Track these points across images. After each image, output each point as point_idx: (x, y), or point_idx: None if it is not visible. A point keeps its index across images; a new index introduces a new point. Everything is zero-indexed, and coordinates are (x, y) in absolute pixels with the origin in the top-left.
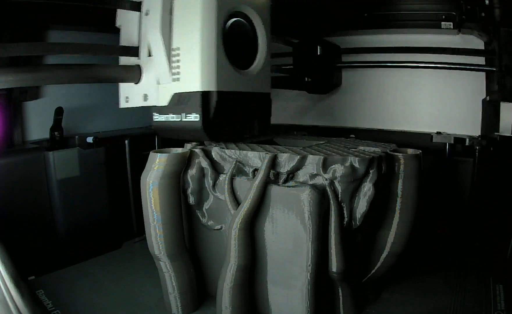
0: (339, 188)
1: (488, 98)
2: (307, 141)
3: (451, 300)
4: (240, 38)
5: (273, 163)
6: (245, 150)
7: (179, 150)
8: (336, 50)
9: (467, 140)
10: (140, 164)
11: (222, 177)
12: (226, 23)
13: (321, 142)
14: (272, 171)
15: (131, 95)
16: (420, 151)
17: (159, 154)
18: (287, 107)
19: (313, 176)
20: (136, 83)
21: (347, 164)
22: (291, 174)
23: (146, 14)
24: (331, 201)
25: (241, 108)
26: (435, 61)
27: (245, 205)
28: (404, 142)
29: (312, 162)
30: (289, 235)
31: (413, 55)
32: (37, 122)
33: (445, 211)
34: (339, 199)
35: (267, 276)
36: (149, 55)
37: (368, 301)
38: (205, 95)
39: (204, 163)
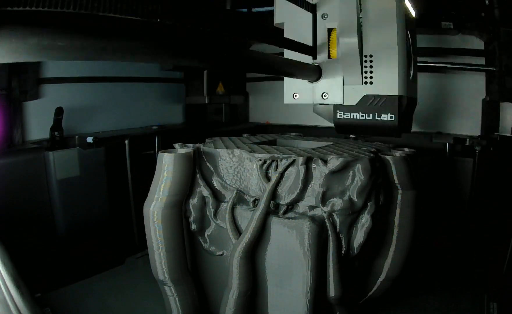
0: (337, 220)
1: (488, 98)
2: (309, 142)
3: None
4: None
5: (274, 194)
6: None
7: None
8: None
9: (467, 140)
10: (140, 164)
11: (223, 206)
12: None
13: (325, 144)
14: (272, 202)
15: (302, 92)
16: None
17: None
18: (286, 107)
19: (312, 207)
20: (315, 82)
21: (346, 198)
22: (291, 206)
23: (324, 17)
24: (330, 233)
25: (410, 111)
26: (435, 61)
27: (246, 236)
28: (404, 142)
29: (311, 195)
30: (288, 263)
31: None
32: (37, 122)
33: (444, 213)
34: (337, 230)
35: (267, 300)
36: (329, 57)
37: None
38: (400, 98)
39: (205, 192)
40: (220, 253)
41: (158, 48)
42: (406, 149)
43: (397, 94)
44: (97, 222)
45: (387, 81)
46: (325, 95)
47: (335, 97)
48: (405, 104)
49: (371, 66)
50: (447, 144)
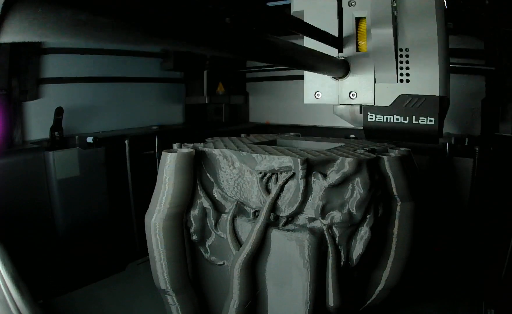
0: (336, 232)
1: (488, 98)
2: (308, 142)
3: None
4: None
5: (274, 207)
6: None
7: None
8: None
9: (467, 140)
10: (140, 164)
11: (223, 217)
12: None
13: (325, 145)
14: (272, 214)
15: (325, 91)
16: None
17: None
18: (286, 107)
19: (311, 219)
20: (341, 78)
21: (345, 211)
22: (291, 218)
23: (351, 4)
24: (329, 245)
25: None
26: None
27: (247, 247)
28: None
29: (311, 207)
30: (288, 274)
31: None
32: (37, 122)
33: (444, 213)
34: (337, 242)
35: (268, 310)
36: (357, 50)
37: None
38: (441, 99)
39: (206, 204)
40: (221, 263)
41: (175, 35)
42: (402, 148)
43: (438, 95)
44: (97, 222)
45: (426, 79)
46: (353, 94)
47: (365, 97)
48: (446, 106)
49: (407, 62)
50: (447, 144)
